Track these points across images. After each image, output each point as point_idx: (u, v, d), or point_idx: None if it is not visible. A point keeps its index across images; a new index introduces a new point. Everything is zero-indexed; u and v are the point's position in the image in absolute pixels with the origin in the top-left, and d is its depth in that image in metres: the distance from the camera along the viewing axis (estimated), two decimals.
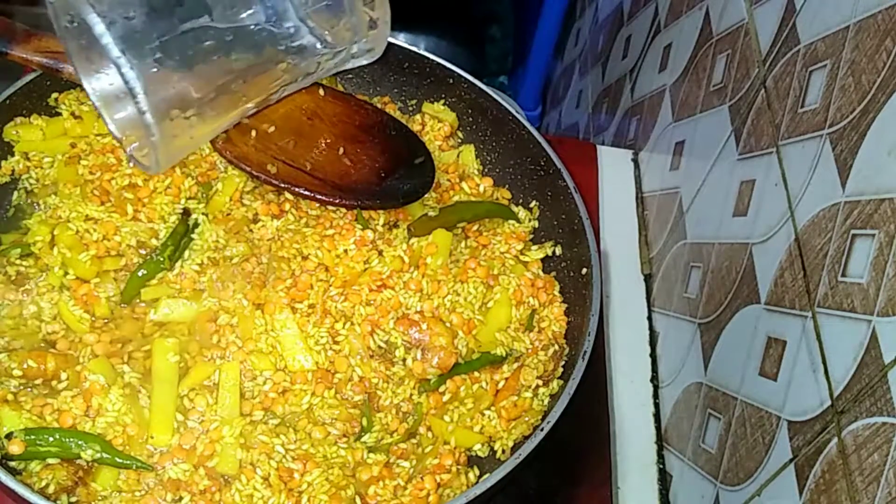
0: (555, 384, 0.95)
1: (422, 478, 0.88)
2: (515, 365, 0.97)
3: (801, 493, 0.83)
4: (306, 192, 0.98)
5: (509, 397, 0.95)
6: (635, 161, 1.51)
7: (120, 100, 0.90)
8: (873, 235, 0.76)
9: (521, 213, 1.10)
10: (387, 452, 0.90)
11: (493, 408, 0.94)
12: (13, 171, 1.01)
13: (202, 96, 0.86)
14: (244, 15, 0.86)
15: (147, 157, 0.90)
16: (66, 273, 0.91)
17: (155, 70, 0.81)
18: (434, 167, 1.08)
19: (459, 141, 1.17)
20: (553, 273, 1.05)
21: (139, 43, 0.79)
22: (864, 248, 0.77)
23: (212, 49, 0.85)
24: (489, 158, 1.16)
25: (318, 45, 0.93)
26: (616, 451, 1.15)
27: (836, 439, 0.78)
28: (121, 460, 0.82)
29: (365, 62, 1.02)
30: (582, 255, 1.00)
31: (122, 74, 0.78)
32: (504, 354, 0.96)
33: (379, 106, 1.12)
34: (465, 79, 1.13)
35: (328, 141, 1.03)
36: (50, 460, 0.81)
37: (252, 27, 0.87)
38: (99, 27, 0.76)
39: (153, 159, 0.86)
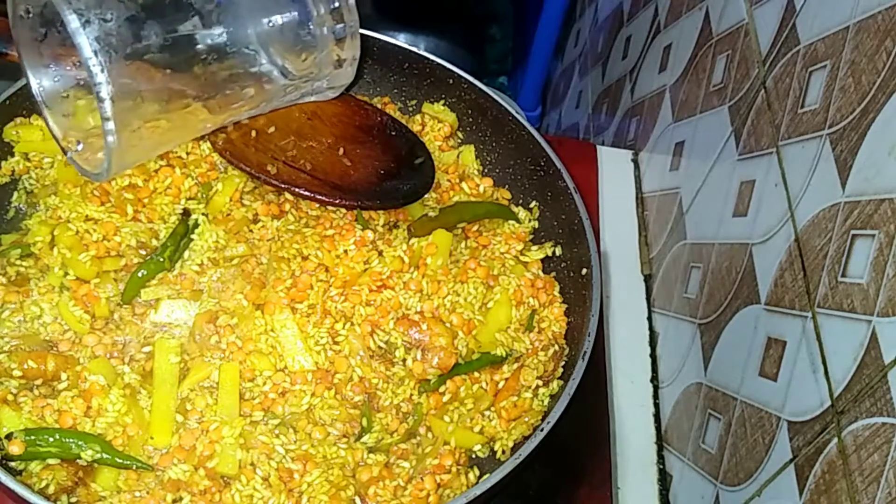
0: (555, 384, 0.95)
1: (422, 478, 0.88)
2: (515, 365, 0.97)
3: (801, 493, 0.83)
4: (306, 193, 0.97)
5: (509, 398, 0.95)
6: (635, 161, 1.51)
7: (65, 99, 0.89)
8: (873, 236, 0.76)
9: (521, 213, 1.10)
10: (387, 453, 0.90)
11: (493, 408, 0.94)
12: (13, 171, 1.01)
13: (164, 108, 0.85)
14: (205, 32, 0.85)
15: (89, 162, 0.88)
16: (66, 273, 0.91)
17: (124, 75, 0.79)
18: (434, 167, 1.08)
19: (459, 141, 1.17)
20: (553, 273, 1.05)
21: (113, 46, 0.77)
22: (864, 249, 0.77)
23: (180, 62, 0.84)
24: (489, 159, 1.16)
25: (277, 74, 0.92)
26: (616, 451, 1.15)
27: (836, 439, 0.78)
28: (121, 461, 0.82)
29: (324, 99, 1.02)
30: (582, 255, 1.00)
31: (91, 76, 0.76)
32: (504, 355, 0.96)
33: (379, 106, 1.12)
34: (465, 79, 1.13)
35: (328, 141, 1.03)
36: (50, 461, 0.81)
37: (218, 46, 0.86)
38: (74, 24, 0.75)
39: (105, 165, 0.84)
